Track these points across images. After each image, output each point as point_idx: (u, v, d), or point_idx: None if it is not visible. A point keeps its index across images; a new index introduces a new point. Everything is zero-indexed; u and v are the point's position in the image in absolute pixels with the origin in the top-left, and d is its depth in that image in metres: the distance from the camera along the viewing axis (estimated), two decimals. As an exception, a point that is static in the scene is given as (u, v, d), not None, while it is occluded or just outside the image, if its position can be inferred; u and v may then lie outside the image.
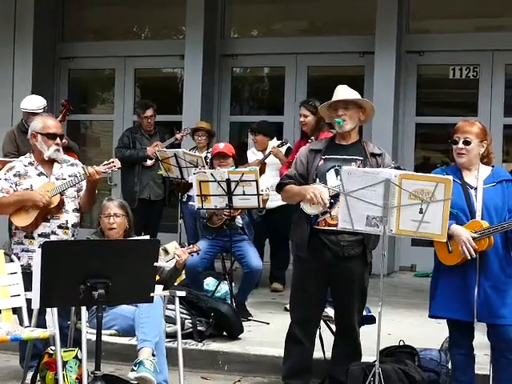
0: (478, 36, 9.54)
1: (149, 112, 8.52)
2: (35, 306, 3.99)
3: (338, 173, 4.61)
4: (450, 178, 4.19)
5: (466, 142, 4.42)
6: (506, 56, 9.36)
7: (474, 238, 4.24)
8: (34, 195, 5.05)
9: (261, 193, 6.42)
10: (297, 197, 4.73)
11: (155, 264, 4.04)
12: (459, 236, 4.25)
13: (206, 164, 7.64)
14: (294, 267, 4.98)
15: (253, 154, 8.26)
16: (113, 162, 5.16)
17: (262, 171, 7.69)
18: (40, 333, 4.66)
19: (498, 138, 9.27)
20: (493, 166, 4.57)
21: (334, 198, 4.59)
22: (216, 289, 7.07)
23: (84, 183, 5.24)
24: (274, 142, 8.05)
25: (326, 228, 4.64)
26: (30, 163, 5.24)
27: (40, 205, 5.03)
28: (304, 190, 4.64)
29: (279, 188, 4.87)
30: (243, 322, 6.31)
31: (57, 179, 5.22)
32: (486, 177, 4.45)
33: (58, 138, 5.20)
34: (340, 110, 4.68)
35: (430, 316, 4.59)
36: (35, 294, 3.89)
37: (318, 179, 4.69)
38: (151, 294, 4.05)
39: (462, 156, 4.42)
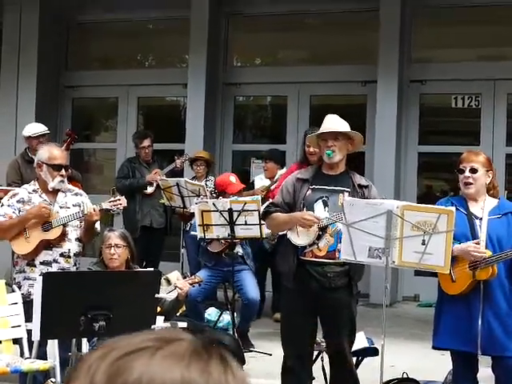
0: (480, 65, 9.58)
1: (146, 142, 8.53)
2: (35, 337, 3.96)
3: (326, 204, 4.60)
4: (453, 209, 4.18)
5: (473, 171, 4.42)
6: (508, 85, 9.38)
7: (478, 265, 4.23)
8: (35, 208, 5.05)
9: (263, 223, 6.40)
10: (284, 225, 4.70)
11: (156, 295, 4.02)
12: (463, 248, 4.22)
13: (211, 194, 7.63)
14: (282, 298, 4.96)
15: (260, 181, 8.27)
16: (119, 200, 5.12)
17: (267, 198, 7.69)
18: (40, 364, 4.62)
19: (500, 167, 9.26)
20: (499, 199, 4.56)
21: (322, 230, 4.57)
22: (218, 319, 7.03)
23: None
24: (282, 171, 8.06)
25: (313, 259, 4.62)
26: (34, 190, 5.24)
27: (43, 215, 5.01)
28: (294, 217, 4.60)
29: (265, 215, 4.84)
30: (245, 353, 6.26)
31: (61, 207, 5.21)
32: (491, 208, 4.44)
33: (63, 169, 5.20)
34: (330, 141, 4.65)
35: (434, 347, 4.56)
36: (35, 325, 3.87)
37: (305, 209, 4.66)
38: (152, 326, 4.02)
39: (469, 186, 4.41)
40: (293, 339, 4.75)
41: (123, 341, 1.11)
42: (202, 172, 8.50)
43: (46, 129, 7.59)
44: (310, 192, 4.68)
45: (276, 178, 7.91)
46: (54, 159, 5.17)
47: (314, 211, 4.62)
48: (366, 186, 4.72)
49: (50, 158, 5.18)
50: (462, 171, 4.44)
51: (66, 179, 5.25)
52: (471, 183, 4.41)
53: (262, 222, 6.38)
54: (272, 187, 7.89)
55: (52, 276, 3.99)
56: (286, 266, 4.68)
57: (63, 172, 5.19)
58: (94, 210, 5.03)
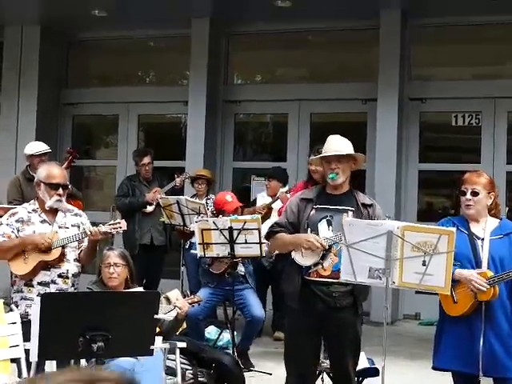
0: (480, 83, 9.59)
1: (146, 159, 8.50)
2: (33, 358, 3.93)
3: (330, 223, 4.58)
4: (454, 230, 4.16)
5: (474, 193, 4.41)
6: (508, 103, 9.40)
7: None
8: (36, 237, 5.03)
9: (263, 241, 6.39)
10: (289, 246, 4.68)
11: (155, 316, 3.99)
12: (466, 276, 4.20)
13: (212, 214, 7.62)
14: (287, 318, 4.93)
15: (262, 199, 8.27)
16: (119, 223, 5.09)
17: (267, 215, 7.69)
18: (38, 385, 4.57)
19: (501, 184, 9.25)
20: (501, 219, 4.54)
21: (327, 249, 4.55)
22: (218, 338, 7.00)
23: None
24: (284, 189, 8.06)
25: (318, 279, 4.59)
26: (34, 210, 5.22)
27: (41, 247, 5.00)
28: (298, 239, 4.59)
29: (269, 236, 4.83)
30: (245, 373, 6.23)
31: (60, 227, 5.19)
32: (493, 228, 4.43)
33: (61, 189, 5.17)
34: (333, 163, 4.65)
35: (434, 368, 4.52)
36: (33, 346, 3.84)
37: (309, 229, 4.64)
38: (151, 347, 3.99)
39: (470, 208, 4.40)
40: (296, 359, 4.72)
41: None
42: (203, 190, 8.50)
43: (48, 147, 7.59)
44: (314, 212, 4.66)
45: (277, 195, 7.91)
46: (51, 178, 5.15)
47: (318, 231, 4.60)
48: (370, 205, 4.71)
49: (47, 176, 5.16)
50: (464, 193, 4.43)
51: (63, 198, 5.21)
52: (472, 205, 4.40)
53: (263, 240, 6.41)
54: (273, 205, 7.88)
55: (50, 297, 3.97)
56: (291, 286, 4.65)
57: (60, 191, 5.16)
58: (98, 231, 5.00)
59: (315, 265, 4.58)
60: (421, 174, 9.83)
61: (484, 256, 4.31)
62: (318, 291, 4.58)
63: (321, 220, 4.62)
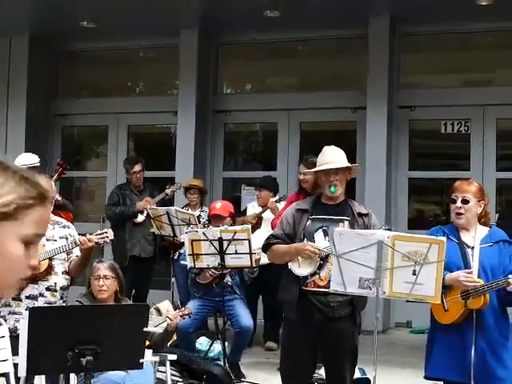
0: (469, 91, 9.62)
1: (137, 167, 8.46)
2: (22, 373, 3.90)
3: (326, 233, 4.58)
4: (444, 239, 4.16)
5: (465, 201, 4.41)
6: (497, 110, 9.43)
7: (469, 294, 4.20)
8: None
9: (253, 252, 6.37)
10: (285, 257, 4.67)
11: (145, 329, 3.97)
12: (456, 278, 4.20)
13: (199, 222, 7.60)
14: (284, 329, 4.91)
15: (253, 209, 8.25)
16: (106, 233, 5.07)
17: (258, 225, 7.66)
18: (27, 399, 4.55)
19: (490, 191, 9.26)
20: (490, 227, 4.55)
21: (324, 259, 4.54)
22: (209, 349, 6.97)
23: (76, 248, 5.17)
24: (275, 198, 8.04)
25: (315, 289, 4.58)
26: (20, 224, 5.17)
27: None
28: (294, 249, 4.58)
29: (265, 248, 4.81)
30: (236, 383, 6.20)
31: (47, 240, 5.15)
32: (483, 237, 4.43)
33: None
34: (332, 175, 4.66)
35: (426, 377, 4.52)
36: (21, 361, 3.80)
37: (305, 239, 4.63)
38: (141, 360, 3.97)
39: (460, 217, 4.40)
40: (293, 369, 4.70)
41: None
42: (196, 200, 8.48)
43: (37, 160, 7.54)
44: (309, 222, 4.66)
45: (268, 205, 7.89)
46: None
47: (314, 241, 4.59)
48: (366, 214, 4.71)
49: None
50: (454, 201, 4.43)
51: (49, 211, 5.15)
52: (462, 213, 4.40)
53: (253, 250, 6.39)
54: (263, 215, 7.86)
55: (38, 311, 3.94)
56: (288, 296, 4.64)
57: None
58: (87, 239, 4.99)
59: (312, 275, 4.57)
60: (411, 181, 9.85)
61: (474, 265, 4.31)
62: (315, 301, 4.57)
63: (317, 230, 4.63)
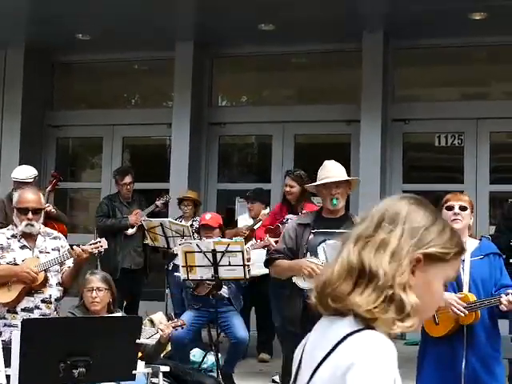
0: (463, 104, 9.68)
1: (127, 179, 8.42)
2: (14, 384, 3.90)
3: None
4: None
5: (463, 208, 4.43)
6: (491, 124, 9.48)
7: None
8: (20, 273, 4.99)
9: (247, 263, 6.39)
10: (288, 272, 4.67)
11: (138, 341, 3.97)
12: (446, 300, 4.21)
13: (193, 233, 7.61)
14: (285, 342, 4.89)
15: (244, 221, 8.25)
16: (99, 242, 5.08)
17: (250, 237, 7.67)
18: (20, 411, 4.53)
19: (484, 203, 9.33)
20: (480, 239, 4.56)
21: None
22: (202, 360, 6.97)
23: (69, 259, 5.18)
24: (266, 211, 8.06)
25: None
26: (13, 236, 5.18)
27: (27, 282, 4.98)
28: (297, 264, 4.59)
29: (268, 263, 4.82)
30: (230, 395, 6.20)
31: (40, 252, 5.16)
32: (473, 249, 4.44)
33: (31, 213, 5.13)
34: (333, 189, 4.69)
35: (417, 389, 4.52)
36: (14, 373, 3.81)
37: (308, 253, 4.64)
38: (133, 372, 3.97)
39: (458, 222, 4.41)
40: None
41: None
42: (190, 212, 8.49)
43: (35, 172, 7.52)
44: (312, 236, 4.68)
45: (259, 217, 7.91)
46: (20, 203, 5.13)
47: (317, 255, 4.60)
48: None
49: (18, 201, 5.15)
50: (451, 208, 4.44)
51: (35, 223, 5.16)
52: (460, 220, 4.42)
53: (246, 262, 6.41)
54: (256, 227, 7.88)
55: (31, 323, 3.94)
56: (293, 310, 4.63)
57: (30, 216, 5.11)
58: (82, 250, 5.00)
59: None
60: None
61: (465, 278, 4.32)
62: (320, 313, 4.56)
63: (319, 244, 4.63)
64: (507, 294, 4.17)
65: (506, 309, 4.17)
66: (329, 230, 4.67)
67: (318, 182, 4.79)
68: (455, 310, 4.19)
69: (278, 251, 4.77)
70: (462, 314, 4.19)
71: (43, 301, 5.08)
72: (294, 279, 4.61)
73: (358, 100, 9.62)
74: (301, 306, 4.60)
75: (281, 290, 4.96)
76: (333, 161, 4.84)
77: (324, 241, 4.64)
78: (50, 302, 5.11)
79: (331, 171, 4.74)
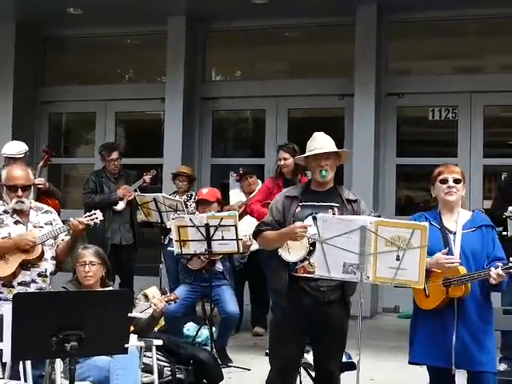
0: (457, 78, 9.65)
1: (115, 155, 8.28)
2: (6, 358, 3.91)
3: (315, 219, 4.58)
4: (426, 224, 4.17)
5: (456, 181, 4.43)
6: (485, 97, 9.47)
7: (451, 282, 4.22)
8: (19, 240, 5.00)
9: (240, 238, 6.39)
10: (276, 243, 4.67)
11: (130, 315, 3.98)
12: (435, 261, 4.22)
13: (186, 208, 7.61)
14: (273, 315, 4.92)
15: (235, 196, 8.24)
16: (95, 214, 5.09)
17: (244, 213, 7.68)
18: (13, 385, 4.56)
19: (478, 177, 9.35)
20: (473, 211, 4.56)
21: (313, 245, 4.54)
22: (196, 334, 7.00)
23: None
24: (259, 186, 8.06)
25: (305, 275, 4.58)
26: (5, 211, 5.18)
27: (27, 250, 4.98)
28: (285, 232, 4.58)
29: (256, 234, 4.82)
30: (224, 369, 6.23)
31: (34, 227, 5.17)
32: (465, 222, 4.44)
33: (20, 190, 5.12)
34: (322, 161, 4.67)
35: (410, 362, 4.54)
36: (6, 347, 3.81)
37: None
38: (125, 345, 3.98)
39: (452, 194, 4.41)
40: (282, 356, 4.70)
41: None
42: (184, 187, 8.48)
43: (26, 148, 7.47)
44: (299, 209, 4.66)
45: (253, 194, 7.90)
46: (8, 180, 5.13)
47: None
48: (355, 201, 4.73)
49: (6, 178, 5.15)
50: (445, 181, 4.44)
51: (25, 200, 5.15)
52: (454, 192, 4.42)
53: (240, 237, 6.42)
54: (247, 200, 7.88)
55: (22, 296, 3.94)
56: (278, 282, 4.64)
57: (19, 193, 5.10)
58: (78, 221, 5.02)
59: (302, 261, 4.57)
60: (398, 168, 9.88)
61: (456, 250, 4.32)
62: (305, 286, 4.57)
63: (307, 217, 4.62)
64: (497, 268, 4.18)
65: (495, 282, 4.17)
66: (316, 204, 4.66)
67: (307, 154, 4.77)
68: (448, 264, 4.20)
69: (266, 223, 4.76)
70: (457, 264, 4.19)
71: (39, 274, 5.11)
72: (280, 252, 4.61)
73: (351, 74, 9.59)
74: (286, 278, 4.61)
75: (269, 262, 4.96)
76: (322, 132, 4.82)
77: (311, 214, 4.63)
78: (46, 276, 5.14)
79: (320, 143, 4.72)
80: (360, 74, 9.45)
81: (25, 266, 5.07)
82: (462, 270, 4.26)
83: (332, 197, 4.70)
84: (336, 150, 4.72)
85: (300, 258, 4.57)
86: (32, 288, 5.03)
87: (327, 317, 4.62)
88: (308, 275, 4.56)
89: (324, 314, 4.61)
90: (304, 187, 4.83)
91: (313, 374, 5.17)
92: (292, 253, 4.56)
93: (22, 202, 5.12)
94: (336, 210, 4.63)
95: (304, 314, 4.60)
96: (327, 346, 4.71)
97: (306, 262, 4.59)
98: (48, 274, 5.15)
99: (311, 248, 4.55)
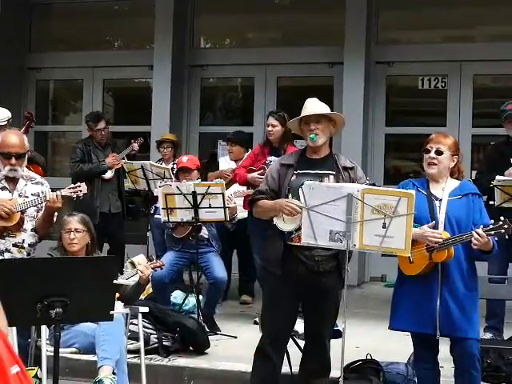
0: (447, 47, 9.60)
1: (101, 124, 8.13)
2: (-9, 325, 3.89)
3: None
4: (413, 192, 4.17)
5: (438, 152, 4.41)
6: (474, 66, 9.43)
7: (434, 247, 4.23)
8: None
9: (227, 205, 6.38)
10: (270, 212, 4.64)
11: (116, 281, 3.97)
12: (421, 234, 4.22)
13: (173, 175, 7.57)
14: (266, 283, 4.91)
15: (225, 163, 8.21)
16: (79, 187, 4.99)
17: (234, 181, 7.65)
18: (-1, 352, 4.54)
19: (466, 147, 9.32)
20: (461, 180, 4.55)
21: None
22: (184, 302, 7.01)
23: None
24: (247, 153, 8.01)
25: (300, 244, 4.55)
26: (-4, 177, 5.13)
27: (2, 214, 4.93)
28: (277, 203, 4.56)
29: (251, 203, 4.79)
30: (211, 336, 6.25)
31: (19, 196, 5.12)
32: (452, 189, 4.44)
33: (14, 158, 5.05)
34: (312, 124, 4.61)
35: (391, 328, 4.55)
36: (-10, 313, 3.79)
37: (290, 195, 4.60)
38: (111, 312, 3.98)
39: (432, 167, 4.40)
40: (274, 324, 4.70)
41: None
42: (170, 154, 8.43)
43: (9, 115, 7.37)
44: (294, 177, 4.63)
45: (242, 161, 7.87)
46: (3, 147, 5.05)
47: (299, 196, 4.55)
48: (352, 168, 4.69)
49: (0, 145, 5.07)
50: (428, 151, 4.43)
51: (18, 168, 5.09)
52: (435, 164, 4.40)
53: (227, 204, 6.40)
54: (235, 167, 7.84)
55: (6, 263, 3.93)
56: (273, 251, 4.62)
57: (13, 161, 5.04)
58: (57, 197, 4.93)
59: (297, 230, 4.54)
60: (387, 137, 9.86)
61: (441, 217, 4.32)
62: (300, 255, 4.55)
63: (302, 185, 4.59)
64: (478, 228, 4.18)
65: (477, 244, 4.17)
66: (312, 172, 4.63)
67: (297, 118, 4.73)
68: (432, 239, 4.20)
69: (261, 192, 4.73)
70: (440, 240, 4.19)
71: (15, 245, 5.05)
72: (275, 220, 4.59)
73: (341, 42, 9.52)
74: (281, 247, 4.59)
75: (263, 232, 4.93)
76: (315, 98, 4.76)
77: None
78: (23, 248, 5.08)
79: (310, 108, 4.67)
80: (350, 42, 9.39)
81: (0, 234, 5.01)
82: (445, 234, 4.26)
83: (328, 164, 4.67)
84: (325, 111, 4.66)
85: (295, 227, 4.53)
86: (5, 257, 4.95)
87: (321, 287, 4.61)
88: (303, 244, 4.53)
89: (318, 284, 4.60)
90: (300, 155, 4.78)
91: (300, 342, 5.20)
92: (287, 222, 4.53)
93: (15, 170, 5.06)
94: (332, 177, 4.59)
95: (298, 282, 4.59)
96: (321, 315, 4.70)
97: (301, 232, 4.56)
98: (26, 245, 5.09)
99: None
